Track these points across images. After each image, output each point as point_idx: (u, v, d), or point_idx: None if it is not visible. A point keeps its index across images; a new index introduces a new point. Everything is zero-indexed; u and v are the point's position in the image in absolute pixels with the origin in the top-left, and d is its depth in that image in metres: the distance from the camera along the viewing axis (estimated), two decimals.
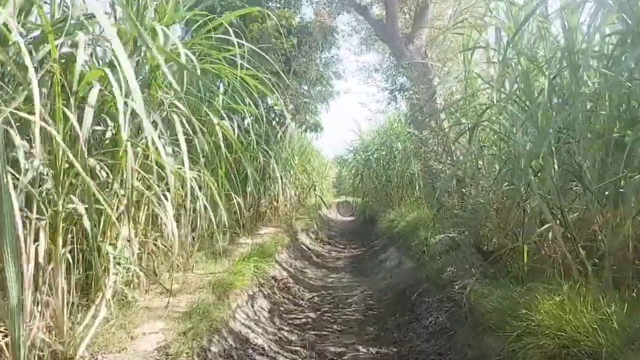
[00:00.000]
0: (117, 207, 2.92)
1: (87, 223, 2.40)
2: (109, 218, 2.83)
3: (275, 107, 9.54)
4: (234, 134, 5.41)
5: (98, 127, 2.96)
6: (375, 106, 9.06)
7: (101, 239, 2.82)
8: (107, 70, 2.54)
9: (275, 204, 10.33)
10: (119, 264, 2.73)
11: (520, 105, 3.87)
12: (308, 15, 10.50)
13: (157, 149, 2.74)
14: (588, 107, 3.26)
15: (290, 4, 9.75)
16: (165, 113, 3.25)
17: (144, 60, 3.35)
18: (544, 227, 3.30)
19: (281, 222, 9.28)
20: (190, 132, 3.48)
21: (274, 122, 9.65)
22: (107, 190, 2.83)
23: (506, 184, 4.36)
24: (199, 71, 3.73)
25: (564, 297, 2.51)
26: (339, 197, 20.23)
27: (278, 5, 9.57)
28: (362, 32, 10.47)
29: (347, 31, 11.14)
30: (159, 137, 3.06)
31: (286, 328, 3.98)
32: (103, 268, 2.69)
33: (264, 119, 7.02)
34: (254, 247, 5.58)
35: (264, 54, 5.49)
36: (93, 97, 2.49)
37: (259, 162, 6.63)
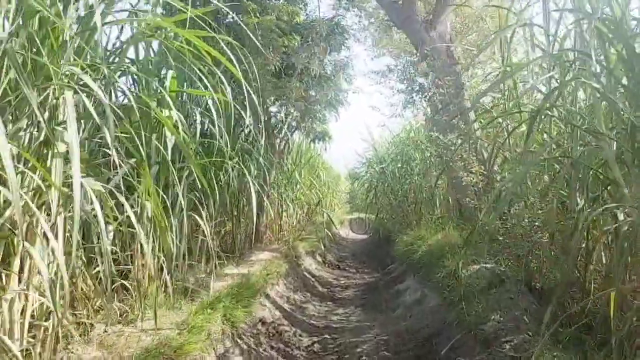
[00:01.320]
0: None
1: None
2: None
3: (277, 114, 8.49)
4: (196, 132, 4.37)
5: None
6: (389, 110, 7.94)
7: None
8: None
9: (279, 223, 9.25)
10: None
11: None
12: (316, 12, 9.49)
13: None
14: None
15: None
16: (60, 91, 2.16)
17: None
18: None
19: (283, 244, 8.16)
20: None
21: (274, 131, 8.60)
22: None
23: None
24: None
25: None
26: (352, 214, 19.05)
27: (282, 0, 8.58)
28: (374, 27, 9.34)
29: (358, 29, 10.03)
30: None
31: None
32: None
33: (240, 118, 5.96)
34: (239, 279, 4.46)
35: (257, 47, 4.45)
36: None
37: (230, 174, 5.51)
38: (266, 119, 8.25)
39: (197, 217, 3.98)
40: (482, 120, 4.96)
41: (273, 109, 8.97)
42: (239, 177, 6.21)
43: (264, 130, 8.43)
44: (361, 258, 10.54)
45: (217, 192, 5.88)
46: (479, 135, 5.07)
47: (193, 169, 3.28)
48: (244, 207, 6.34)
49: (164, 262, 3.29)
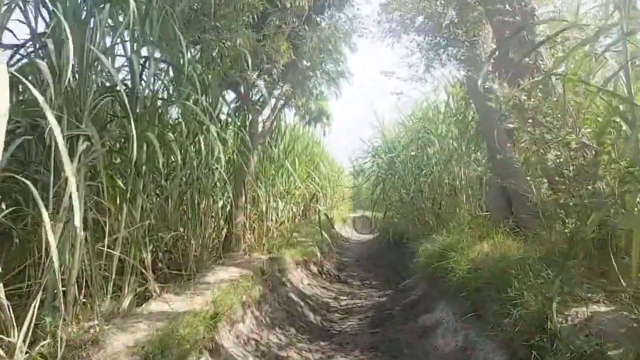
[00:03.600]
0: None
1: None
2: None
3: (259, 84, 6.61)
4: None
5: None
6: (407, 72, 6.01)
7: None
8: None
9: (265, 224, 7.41)
10: None
11: None
12: None
13: None
14: None
15: None
16: None
17: None
18: None
19: (267, 252, 6.32)
20: None
21: (256, 105, 6.74)
22: None
23: None
24: None
25: None
26: (356, 211, 17.18)
27: None
28: None
29: None
30: None
31: None
32: None
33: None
34: (163, 325, 2.61)
35: None
36: None
37: (177, 155, 3.68)
38: (244, 91, 6.39)
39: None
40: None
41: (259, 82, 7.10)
42: (199, 162, 4.36)
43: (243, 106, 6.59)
44: (367, 265, 8.68)
45: (158, 179, 4.08)
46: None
47: None
48: (207, 204, 4.48)
49: None
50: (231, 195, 5.91)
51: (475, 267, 3.65)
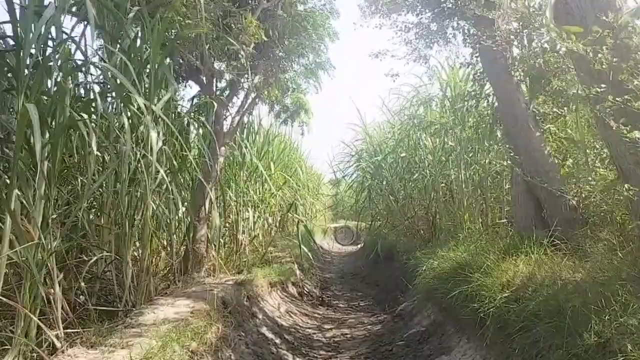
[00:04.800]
0: None
1: None
2: None
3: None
4: None
5: None
6: (403, 50, 4.98)
7: None
8: None
9: (237, 238, 6.33)
10: None
11: None
12: None
13: None
14: None
15: None
16: None
17: None
18: None
19: (236, 271, 5.25)
20: None
21: (222, 94, 5.68)
22: None
23: None
24: None
25: None
26: (337, 221, 16.16)
27: None
28: None
29: None
30: None
31: None
32: None
33: None
34: None
35: None
36: None
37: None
38: (206, 80, 5.31)
39: None
40: None
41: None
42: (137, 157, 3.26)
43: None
44: (353, 283, 7.66)
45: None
46: None
47: None
48: (147, 215, 3.38)
49: None
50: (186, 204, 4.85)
51: (514, 294, 2.66)
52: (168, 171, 3.70)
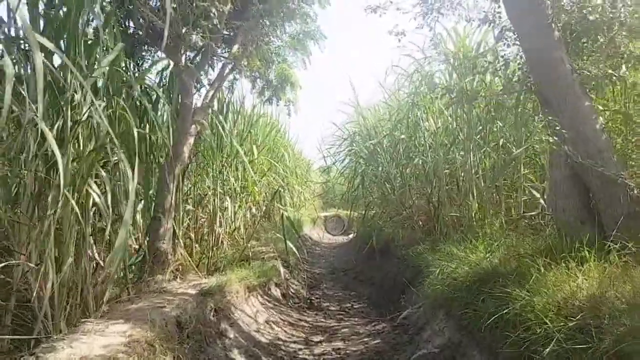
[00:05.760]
0: None
1: None
2: None
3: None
4: None
5: None
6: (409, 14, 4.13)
7: None
8: None
9: (217, 231, 5.53)
10: None
11: None
12: None
13: None
14: None
15: None
16: None
17: None
18: None
19: (207, 273, 4.45)
20: None
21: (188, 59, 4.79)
22: None
23: None
24: None
25: None
26: (327, 210, 15.37)
27: None
28: None
29: None
30: None
31: None
32: None
33: None
34: None
35: None
36: None
37: None
38: (172, 43, 4.39)
39: None
40: None
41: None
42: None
43: None
44: (346, 280, 6.88)
45: None
46: None
47: None
48: (70, 206, 2.54)
49: None
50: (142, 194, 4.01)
51: (580, 323, 1.87)
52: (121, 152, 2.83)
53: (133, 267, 3.91)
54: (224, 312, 3.23)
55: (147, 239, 4.15)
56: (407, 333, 3.82)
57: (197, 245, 5.40)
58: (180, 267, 4.37)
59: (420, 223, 6.66)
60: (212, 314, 3.09)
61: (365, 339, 3.97)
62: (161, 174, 4.27)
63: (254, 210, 7.36)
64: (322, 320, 4.65)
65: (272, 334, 3.73)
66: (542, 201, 4.40)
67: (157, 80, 4.83)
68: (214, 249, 5.31)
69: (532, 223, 4.04)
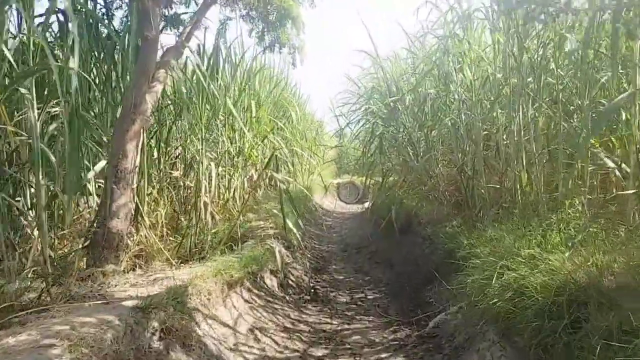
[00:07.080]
0: None
1: None
2: None
3: None
4: None
5: None
6: None
7: None
8: None
9: (201, 203, 4.52)
10: None
11: None
12: None
13: None
14: None
15: None
16: None
17: None
18: None
19: (185, 255, 3.49)
20: None
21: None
22: None
23: None
24: None
25: None
26: (340, 176, 14.29)
27: None
28: None
29: None
30: None
31: None
32: None
33: None
34: None
35: None
36: None
37: None
38: None
39: None
40: None
41: None
42: None
43: None
44: (359, 261, 5.87)
45: None
46: None
47: None
48: None
49: None
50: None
51: None
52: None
53: (73, 255, 2.93)
54: (178, 332, 2.23)
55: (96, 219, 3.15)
56: (441, 351, 2.81)
57: (183, 220, 4.45)
58: (143, 253, 3.40)
59: (448, 195, 5.60)
60: (157, 336, 2.09)
61: (383, 355, 2.97)
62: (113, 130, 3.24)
63: (255, 178, 6.35)
64: (327, 320, 3.66)
65: (255, 351, 2.74)
66: (617, 172, 3.30)
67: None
68: (197, 225, 4.31)
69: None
